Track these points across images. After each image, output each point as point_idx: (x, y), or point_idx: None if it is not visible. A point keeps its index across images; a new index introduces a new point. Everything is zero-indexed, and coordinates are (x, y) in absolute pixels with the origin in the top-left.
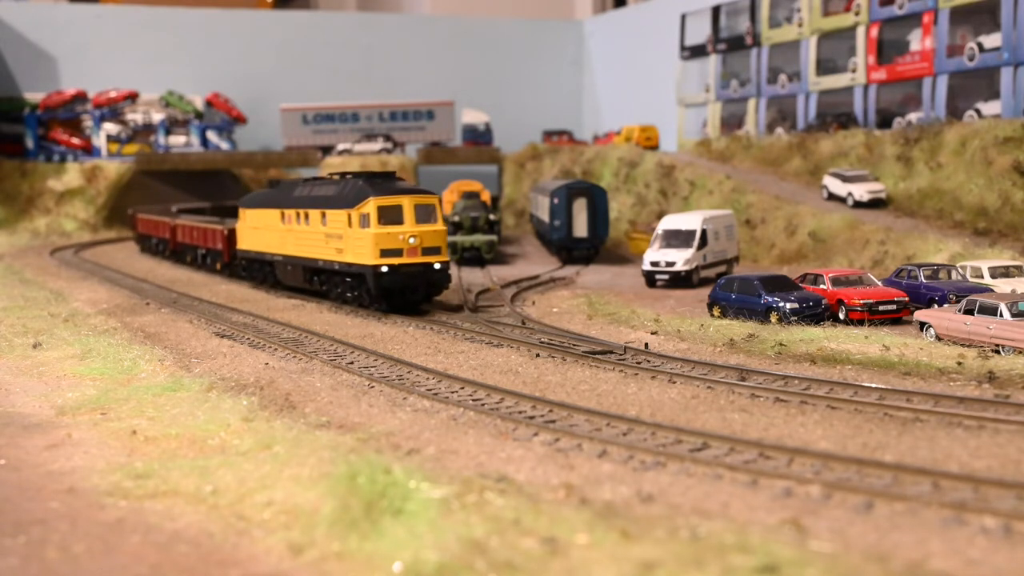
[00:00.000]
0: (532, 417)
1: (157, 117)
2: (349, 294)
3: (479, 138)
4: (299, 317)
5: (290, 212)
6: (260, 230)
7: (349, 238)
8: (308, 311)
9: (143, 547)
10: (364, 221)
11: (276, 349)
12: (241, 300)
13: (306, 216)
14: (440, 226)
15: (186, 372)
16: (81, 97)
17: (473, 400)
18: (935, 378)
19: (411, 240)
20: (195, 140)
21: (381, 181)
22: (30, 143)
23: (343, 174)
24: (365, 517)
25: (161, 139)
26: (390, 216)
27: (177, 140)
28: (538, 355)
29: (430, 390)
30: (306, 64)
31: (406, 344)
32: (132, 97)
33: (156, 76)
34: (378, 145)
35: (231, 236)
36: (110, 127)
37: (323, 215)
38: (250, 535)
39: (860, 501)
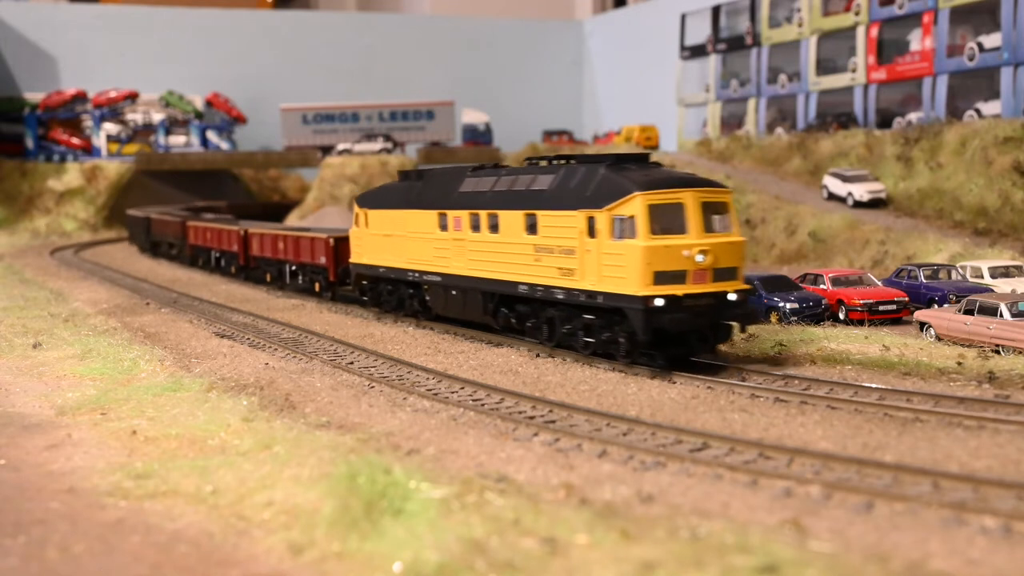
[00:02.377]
0: (532, 417)
1: (157, 117)
2: (586, 338)
3: (479, 138)
4: (299, 317)
5: (459, 214)
6: (395, 239)
7: (589, 254)
8: (308, 311)
9: (143, 547)
10: (623, 228)
11: (276, 349)
12: (241, 300)
13: (492, 220)
14: (736, 235)
15: (186, 372)
16: (81, 97)
17: (473, 400)
18: (935, 378)
19: (699, 257)
20: (195, 140)
21: (639, 167)
22: (30, 143)
23: (558, 157)
24: (365, 517)
25: (161, 139)
26: (666, 220)
27: (177, 140)
28: (538, 355)
29: (430, 390)
30: (306, 64)
31: (406, 344)
32: (132, 97)
33: (156, 76)
34: (378, 145)
35: (339, 248)
36: (110, 127)
37: (529, 219)
38: (250, 535)
39: (860, 501)
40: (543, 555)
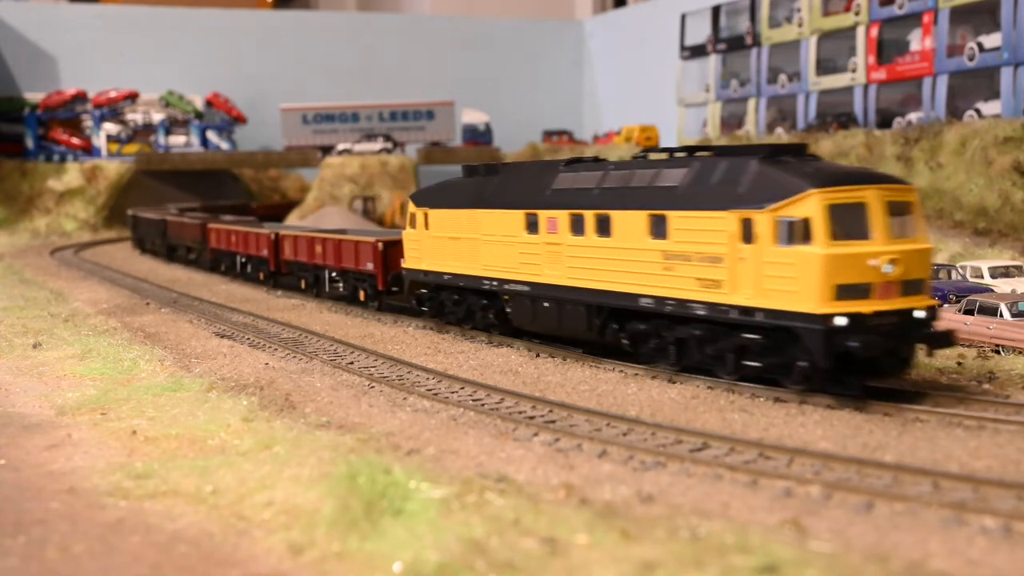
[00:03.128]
0: (532, 417)
1: (157, 117)
2: (745, 361)
3: (479, 138)
4: (299, 317)
5: (553, 215)
6: (465, 242)
7: (743, 263)
8: (308, 311)
9: (143, 547)
10: (792, 232)
11: (276, 349)
12: (241, 300)
13: (602, 221)
14: (923, 241)
15: (186, 372)
16: (81, 97)
17: (473, 400)
18: (935, 378)
19: (887, 268)
20: (195, 140)
21: (799, 160)
22: (30, 143)
23: (683, 149)
24: (365, 517)
25: (161, 139)
26: (847, 224)
27: (177, 140)
28: (538, 355)
29: (430, 390)
30: (306, 64)
31: (406, 344)
32: (132, 97)
33: (156, 76)
34: (378, 145)
35: (389, 253)
36: (110, 127)
37: (656, 220)
38: (250, 535)
39: (860, 501)
40: (543, 555)
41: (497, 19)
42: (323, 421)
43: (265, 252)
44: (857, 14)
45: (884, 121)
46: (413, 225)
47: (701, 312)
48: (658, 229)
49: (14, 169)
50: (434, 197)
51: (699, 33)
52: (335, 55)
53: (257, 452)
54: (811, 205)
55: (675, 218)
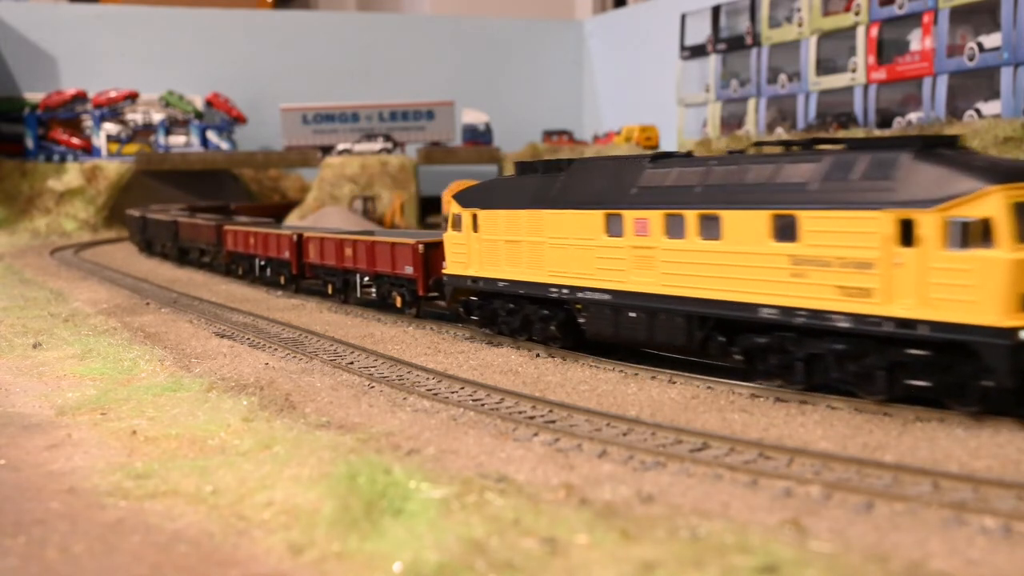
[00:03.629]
0: (532, 417)
1: (157, 117)
2: (911, 380)
3: (479, 138)
4: (299, 317)
5: (643, 216)
6: (526, 246)
7: (902, 268)
8: (308, 311)
9: (143, 547)
10: (968, 235)
11: (276, 349)
12: (241, 300)
13: (709, 223)
14: None
15: (186, 372)
16: (81, 97)
17: (473, 400)
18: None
19: None
20: (195, 140)
21: (957, 153)
22: (30, 143)
23: (814, 141)
24: (365, 517)
25: (161, 139)
26: None
27: (177, 140)
28: (538, 355)
29: (430, 390)
30: (306, 64)
31: (406, 344)
32: (132, 97)
33: (156, 76)
34: (378, 145)
35: (430, 256)
36: (110, 127)
37: (782, 221)
38: (250, 535)
39: (860, 501)
40: (543, 555)
41: (497, 19)
42: (323, 421)
43: (287, 255)
44: (857, 14)
45: (884, 121)
46: (457, 227)
47: (844, 324)
48: (784, 231)
49: (14, 169)
50: (484, 197)
51: (699, 33)
52: (335, 55)
53: (257, 452)
54: (992, 204)
55: (807, 219)
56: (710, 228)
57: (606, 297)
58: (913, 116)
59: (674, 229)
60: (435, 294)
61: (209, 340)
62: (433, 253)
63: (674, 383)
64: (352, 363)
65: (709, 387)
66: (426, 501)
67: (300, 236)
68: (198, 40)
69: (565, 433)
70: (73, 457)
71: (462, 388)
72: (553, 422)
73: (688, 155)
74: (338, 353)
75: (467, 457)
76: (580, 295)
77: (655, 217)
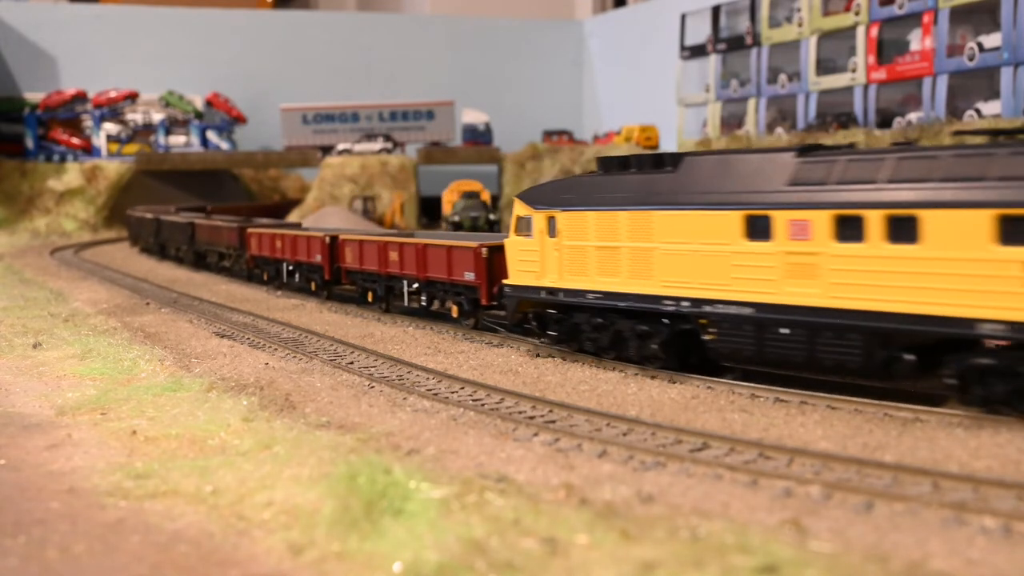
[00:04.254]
0: (532, 417)
1: (157, 117)
2: None
3: (479, 138)
4: (299, 317)
5: (802, 216)
6: (624, 252)
7: None
8: (308, 311)
9: (143, 547)
10: None
11: (276, 349)
12: (241, 300)
13: (902, 224)
14: None
15: (186, 372)
16: (81, 97)
17: (473, 400)
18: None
19: None
20: (195, 140)
21: None
22: (30, 143)
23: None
24: (365, 517)
25: (161, 139)
26: None
27: (177, 140)
28: (538, 355)
29: (430, 390)
30: (306, 64)
31: (406, 344)
32: (132, 97)
33: (156, 76)
34: (378, 145)
35: (494, 262)
36: (110, 127)
37: (1013, 222)
38: (250, 535)
39: (860, 501)
40: (543, 555)
41: (497, 19)
42: (323, 421)
43: (318, 259)
44: (857, 14)
45: (884, 121)
46: (524, 231)
47: None
48: (1014, 233)
49: (14, 169)
50: (564, 196)
51: (699, 33)
52: (335, 55)
53: (257, 452)
54: None
55: None
56: (904, 231)
57: (746, 311)
58: (913, 116)
59: (848, 232)
60: (495, 304)
61: (209, 340)
62: (497, 258)
63: (674, 383)
64: (352, 363)
65: (709, 387)
66: (426, 501)
67: (334, 239)
68: (198, 40)
69: (565, 433)
70: (73, 457)
71: (462, 388)
72: (553, 422)
73: (849, 147)
74: (338, 353)
75: (467, 457)
76: (707, 309)
77: (820, 218)
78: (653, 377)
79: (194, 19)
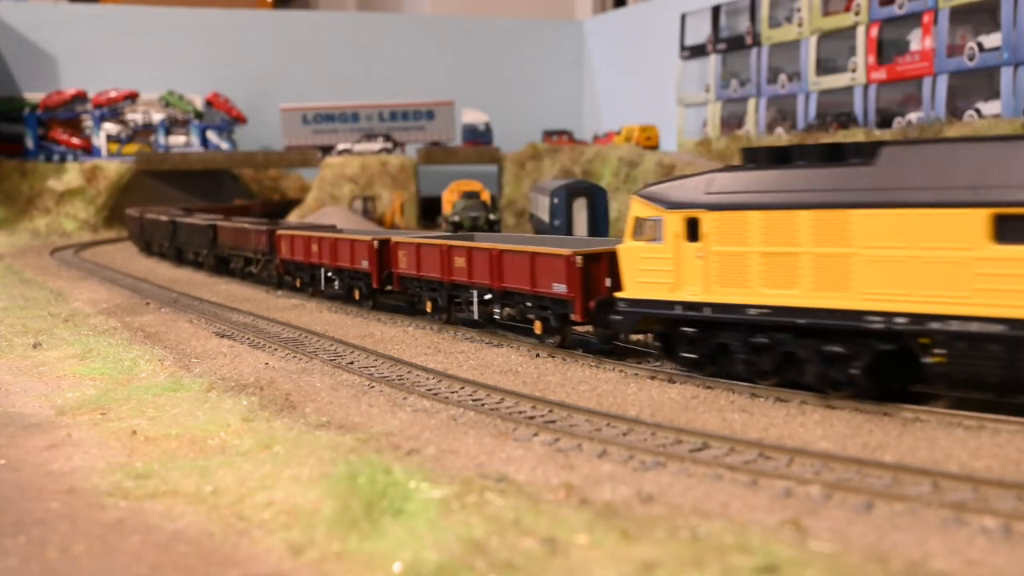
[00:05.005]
0: (532, 417)
1: (157, 117)
2: None
3: (479, 138)
4: (299, 317)
5: None
6: (806, 259)
7: None
8: (308, 311)
9: (143, 547)
10: None
11: (276, 349)
12: (241, 300)
13: None
14: None
15: (186, 372)
16: (81, 97)
17: (473, 400)
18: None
19: None
20: (195, 140)
21: None
22: (30, 143)
23: None
24: (365, 517)
25: (161, 139)
26: None
27: (177, 140)
28: (538, 355)
29: (430, 390)
30: (306, 64)
31: (406, 344)
32: (132, 97)
33: (156, 76)
34: (378, 145)
35: (591, 272)
36: (110, 127)
37: None
38: (250, 535)
39: (860, 501)
40: (543, 555)
41: (497, 19)
42: (323, 421)
43: (365, 264)
44: (857, 14)
45: (884, 121)
46: (650, 236)
47: None
48: None
49: (14, 169)
50: (710, 194)
51: (699, 33)
52: (335, 55)
53: (257, 452)
54: None
55: None
56: None
57: (995, 328)
58: (913, 116)
59: None
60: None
61: (209, 340)
62: (594, 268)
63: (674, 383)
64: (352, 363)
65: (709, 387)
66: (426, 501)
67: (385, 243)
68: (198, 40)
69: (565, 433)
70: (73, 457)
71: (462, 388)
72: (553, 422)
73: None
74: (338, 353)
75: (467, 457)
76: (934, 326)
77: None
78: (653, 377)
79: (194, 19)
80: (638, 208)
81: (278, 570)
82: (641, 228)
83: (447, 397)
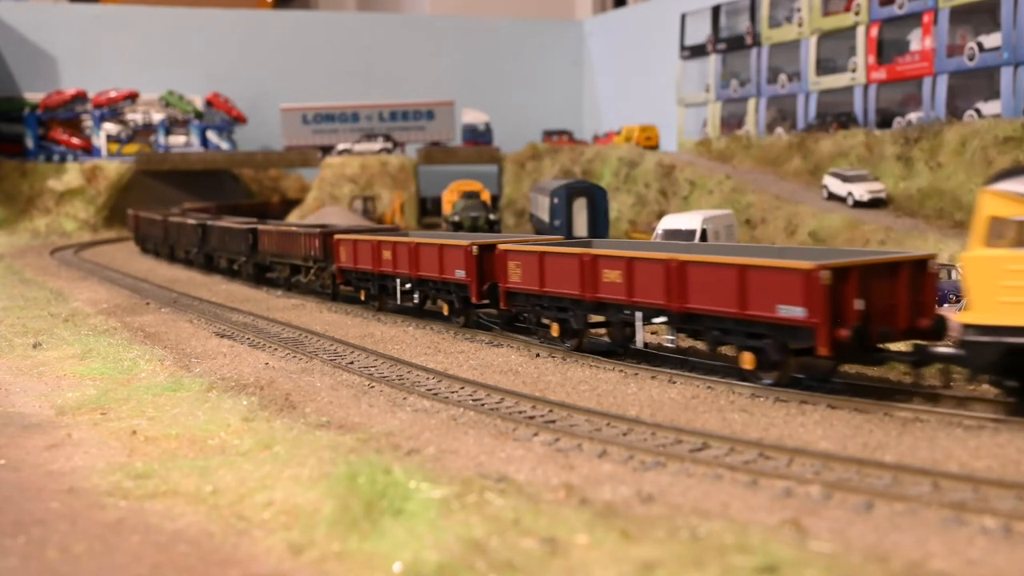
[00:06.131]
0: (532, 417)
1: (157, 117)
2: None
3: (479, 138)
4: (299, 317)
5: None
6: None
7: None
8: (308, 311)
9: (143, 547)
10: None
11: (276, 349)
12: (241, 300)
13: None
14: None
15: (186, 372)
16: (81, 97)
17: (473, 400)
18: (935, 378)
19: None
20: (195, 140)
21: None
22: (30, 143)
23: None
24: (365, 517)
25: (161, 139)
26: None
27: (177, 140)
28: (538, 355)
29: (430, 390)
30: (306, 64)
31: (406, 344)
32: (132, 97)
33: (156, 76)
34: (378, 145)
35: (838, 288)
36: (110, 127)
37: None
38: (250, 535)
39: (860, 501)
40: (543, 555)
41: (497, 19)
42: (323, 421)
43: (461, 275)
44: (857, 14)
45: (884, 121)
46: (1014, 240)
47: None
48: None
49: (14, 169)
50: None
51: (699, 33)
52: (335, 55)
53: (257, 452)
54: None
55: None
56: None
57: None
58: (913, 116)
59: None
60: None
61: (209, 340)
62: (843, 286)
63: (674, 383)
64: (352, 363)
65: (709, 387)
66: (426, 501)
67: (486, 248)
68: (198, 40)
69: (565, 433)
70: (73, 457)
71: (462, 388)
72: (553, 422)
73: None
74: (338, 353)
75: (467, 457)
76: None
77: None
78: (653, 377)
79: (194, 19)
80: (995, 205)
81: (278, 570)
82: (1001, 231)
83: (447, 397)
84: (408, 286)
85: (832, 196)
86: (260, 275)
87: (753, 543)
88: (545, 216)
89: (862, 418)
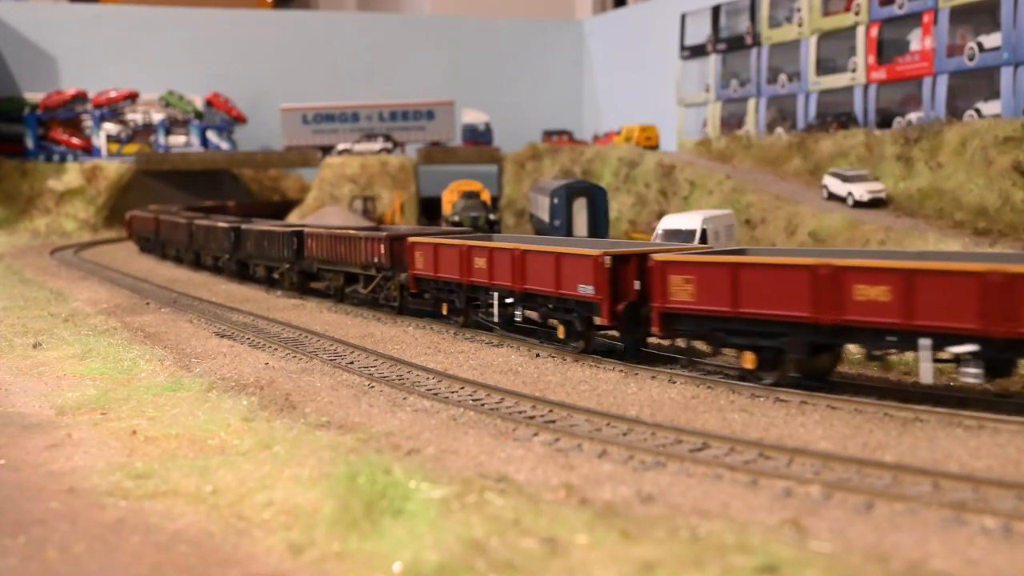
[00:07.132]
0: (532, 417)
1: (157, 117)
2: None
3: (479, 138)
4: (299, 317)
5: None
6: None
7: None
8: (308, 311)
9: (143, 547)
10: None
11: (276, 349)
12: (241, 300)
13: None
14: None
15: (186, 372)
16: (81, 97)
17: (473, 400)
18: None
19: None
20: (195, 140)
21: None
22: (30, 143)
23: None
24: (365, 517)
25: (161, 139)
26: None
27: (177, 140)
28: (538, 355)
29: (430, 390)
30: (306, 64)
31: (406, 344)
32: (132, 97)
33: (156, 76)
34: (378, 145)
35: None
36: (110, 127)
37: None
38: (250, 535)
39: (860, 501)
40: (543, 555)
41: (497, 19)
42: (323, 421)
43: (588, 291)
44: (857, 14)
45: (884, 121)
46: None
47: None
48: None
49: (14, 169)
50: None
51: (699, 33)
52: (335, 55)
53: (257, 452)
54: None
55: None
56: None
57: None
58: (913, 116)
59: None
60: None
61: (209, 340)
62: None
63: (674, 383)
64: (352, 363)
65: (709, 387)
66: (426, 501)
67: (623, 259)
68: (198, 40)
69: (565, 433)
70: (73, 457)
71: (462, 388)
72: (553, 422)
73: None
74: (338, 353)
75: (467, 457)
76: None
77: None
78: (653, 377)
79: (194, 19)
80: None
81: (278, 570)
82: None
83: (447, 397)
84: (510, 300)
85: (832, 196)
86: (304, 285)
87: (753, 543)
88: (545, 216)
89: (862, 418)
